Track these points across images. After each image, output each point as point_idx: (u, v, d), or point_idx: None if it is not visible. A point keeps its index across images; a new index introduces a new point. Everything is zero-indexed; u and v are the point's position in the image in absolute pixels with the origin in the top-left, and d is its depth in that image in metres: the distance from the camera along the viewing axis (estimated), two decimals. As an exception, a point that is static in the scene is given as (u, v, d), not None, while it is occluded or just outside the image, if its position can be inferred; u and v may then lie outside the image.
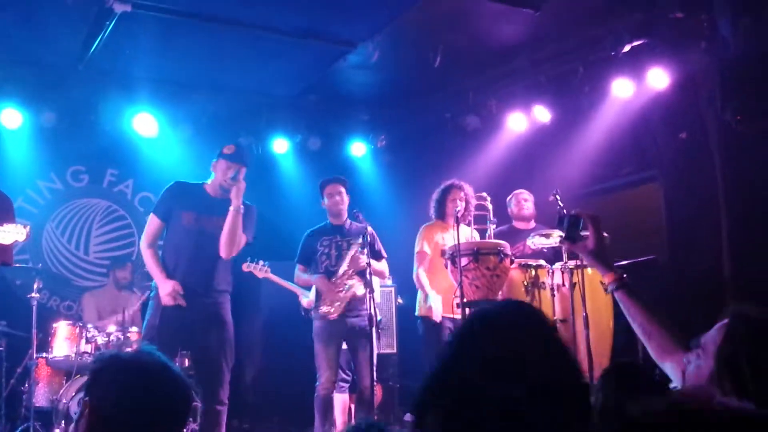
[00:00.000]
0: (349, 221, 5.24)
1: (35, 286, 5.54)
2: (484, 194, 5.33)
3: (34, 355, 5.37)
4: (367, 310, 4.89)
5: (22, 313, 5.59)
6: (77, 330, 5.61)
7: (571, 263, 4.96)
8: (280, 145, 7.55)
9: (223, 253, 4.27)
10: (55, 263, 7.03)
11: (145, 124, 6.73)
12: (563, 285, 4.96)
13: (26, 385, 5.45)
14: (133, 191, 7.51)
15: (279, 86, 6.96)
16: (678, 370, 1.77)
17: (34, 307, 5.48)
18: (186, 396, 1.71)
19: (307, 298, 5.82)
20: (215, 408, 4.19)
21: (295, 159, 7.74)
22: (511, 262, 4.96)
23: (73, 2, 4.95)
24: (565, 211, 4.88)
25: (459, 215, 4.98)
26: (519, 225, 5.73)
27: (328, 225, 5.27)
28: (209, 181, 4.44)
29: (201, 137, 6.99)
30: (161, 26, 5.41)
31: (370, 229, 5.02)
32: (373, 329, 4.83)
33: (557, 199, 5.04)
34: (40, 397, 5.52)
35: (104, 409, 1.60)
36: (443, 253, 5.06)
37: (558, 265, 5.07)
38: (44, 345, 5.55)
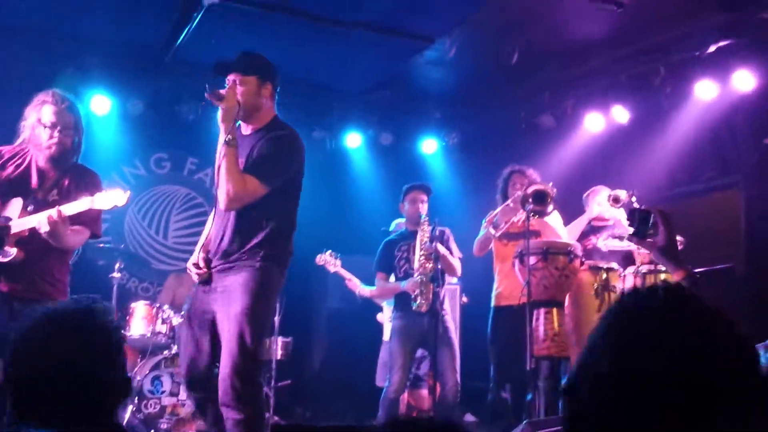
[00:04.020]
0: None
1: (116, 267, 5.81)
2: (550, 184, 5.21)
3: (113, 332, 5.61)
4: (446, 311, 4.97)
5: (102, 293, 5.85)
6: (153, 311, 5.82)
7: (645, 267, 4.84)
8: (353, 140, 7.66)
9: (220, 203, 3.24)
10: (135, 246, 7.32)
11: (224, 114, 6.94)
12: (635, 289, 4.84)
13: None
14: (211, 180, 7.71)
15: (354, 81, 7.05)
16: None
17: (114, 287, 5.75)
18: (89, 332, 1.58)
19: (368, 288, 5.90)
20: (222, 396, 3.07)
21: (367, 154, 7.83)
22: (581, 263, 4.89)
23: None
24: (635, 205, 4.77)
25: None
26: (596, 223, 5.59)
27: (405, 231, 5.36)
28: None
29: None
30: (245, 19, 5.59)
31: (447, 230, 5.12)
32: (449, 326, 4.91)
33: (634, 202, 4.94)
34: (117, 373, 5.75)
35: (11, 372, 1.56)
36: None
37: (631, 269, 4.97)
38: (122, 324, 5.78)
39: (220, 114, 3.18)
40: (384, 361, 5.92)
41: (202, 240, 3.44)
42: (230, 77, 3.27)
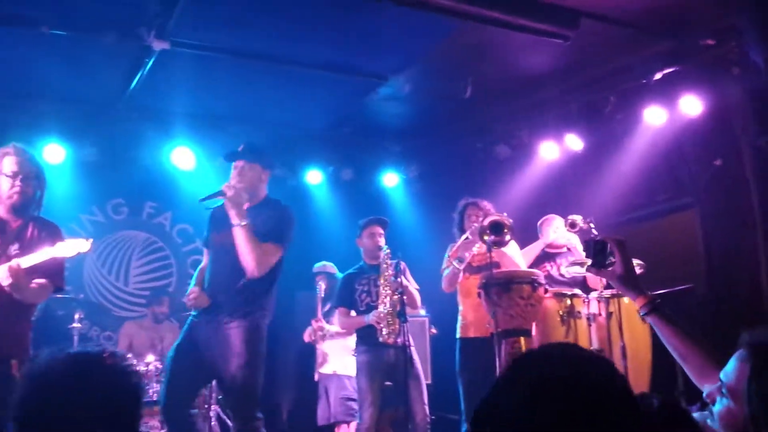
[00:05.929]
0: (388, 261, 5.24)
1: (76, 317, 5.69)
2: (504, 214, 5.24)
3: (75, 385, 5.45)
4: (410, 344, 4.92)
5: (63, 344, 5.69)
6: (116, 360, 5.70)
7: (608, 292, 4.90)
8: (314, 177, 7.67)
9: (248, 273, 3.67)
10: (95, 294, 7.17)
11: (182, 157, 6.89)
12: (599, 314, 4.91)
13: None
14: (171, 223, 7.67)
15: (312, 119, 7.09)
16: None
17: (75, 338, 5.62)
18: (119, 387, 1.50)
19: (333, 328, 5.91)
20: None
21: (328, 190, 7.84)
22: (546, 291, 4.93)
23: (114, 41, 5.12)
24: (593, 233, 4.85)
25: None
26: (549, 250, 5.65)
27: (364, 266, 5.33)
28: None
29: (237, 170, 7.10)
30: (198, 62, 5.58)
31: (402, 263, 5.08)
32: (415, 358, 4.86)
33: (591, 228, 5.02)
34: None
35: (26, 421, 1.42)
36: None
37: (594, 294, 5.03)
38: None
39: (227, 203, 3.64)
40: (323, 400, 5.89)
41: (194, 280, 3.99)
42: (238, 163, 3.81)
